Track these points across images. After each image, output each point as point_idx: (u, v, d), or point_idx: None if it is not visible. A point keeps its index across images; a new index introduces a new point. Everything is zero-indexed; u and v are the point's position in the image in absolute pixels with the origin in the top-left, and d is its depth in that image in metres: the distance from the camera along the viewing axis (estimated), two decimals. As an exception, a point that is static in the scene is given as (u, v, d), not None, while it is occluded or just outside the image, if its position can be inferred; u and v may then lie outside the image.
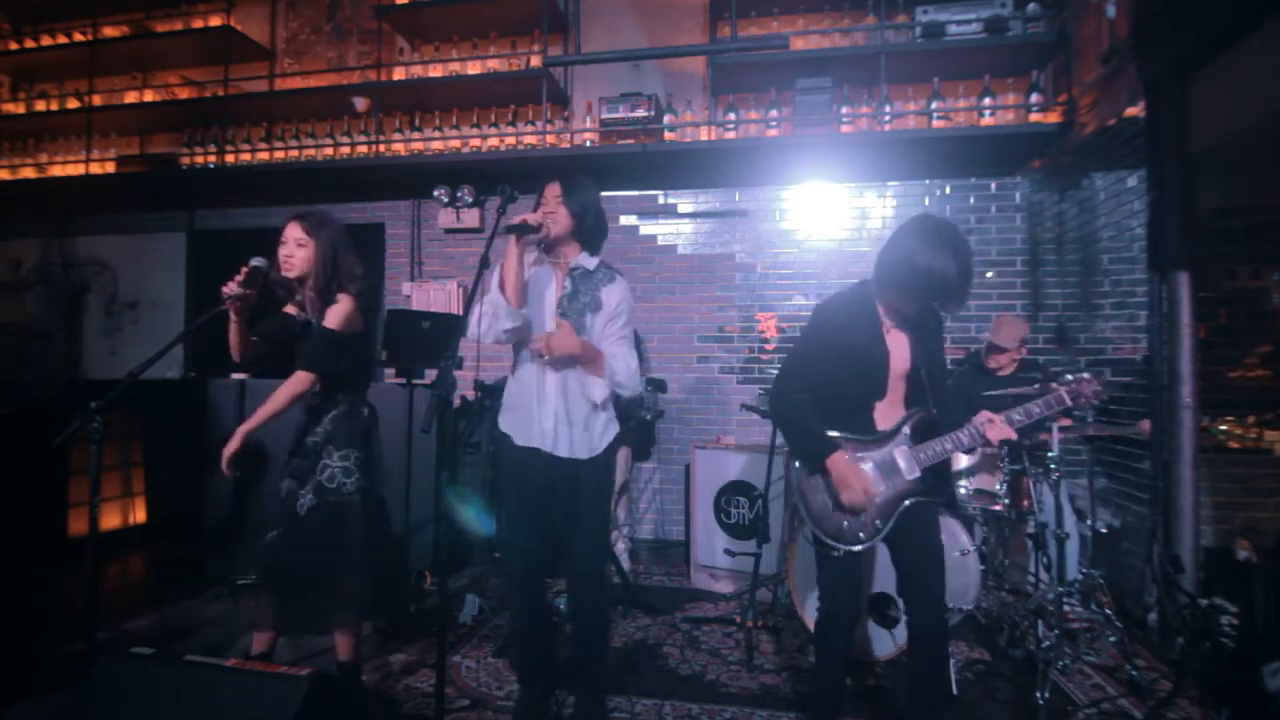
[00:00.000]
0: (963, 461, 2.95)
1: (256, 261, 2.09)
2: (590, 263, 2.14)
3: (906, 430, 1.96)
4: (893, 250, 1.90)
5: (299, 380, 2.16)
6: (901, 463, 1.94)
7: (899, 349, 1.97)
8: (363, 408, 2.27)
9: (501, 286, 2.00)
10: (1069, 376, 2.01)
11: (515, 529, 2.17)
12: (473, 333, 2.01)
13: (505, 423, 2.19)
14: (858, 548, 1.93)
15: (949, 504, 2.77)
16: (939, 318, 2.03)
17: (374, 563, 2.29)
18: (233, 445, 2.11)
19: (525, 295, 2.05)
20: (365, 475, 2.24)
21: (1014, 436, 1.90)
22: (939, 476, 2.00)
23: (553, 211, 2.07)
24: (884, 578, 2.60)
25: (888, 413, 1.99)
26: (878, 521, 1.93)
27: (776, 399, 2.05)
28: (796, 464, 2.05)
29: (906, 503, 1.93)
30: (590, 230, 2.14)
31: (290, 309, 2.27)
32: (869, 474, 1.94)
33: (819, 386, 1.99)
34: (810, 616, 2.89)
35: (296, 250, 2.16)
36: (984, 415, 1.91)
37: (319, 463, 2.17)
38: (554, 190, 2.09)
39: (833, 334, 1.97)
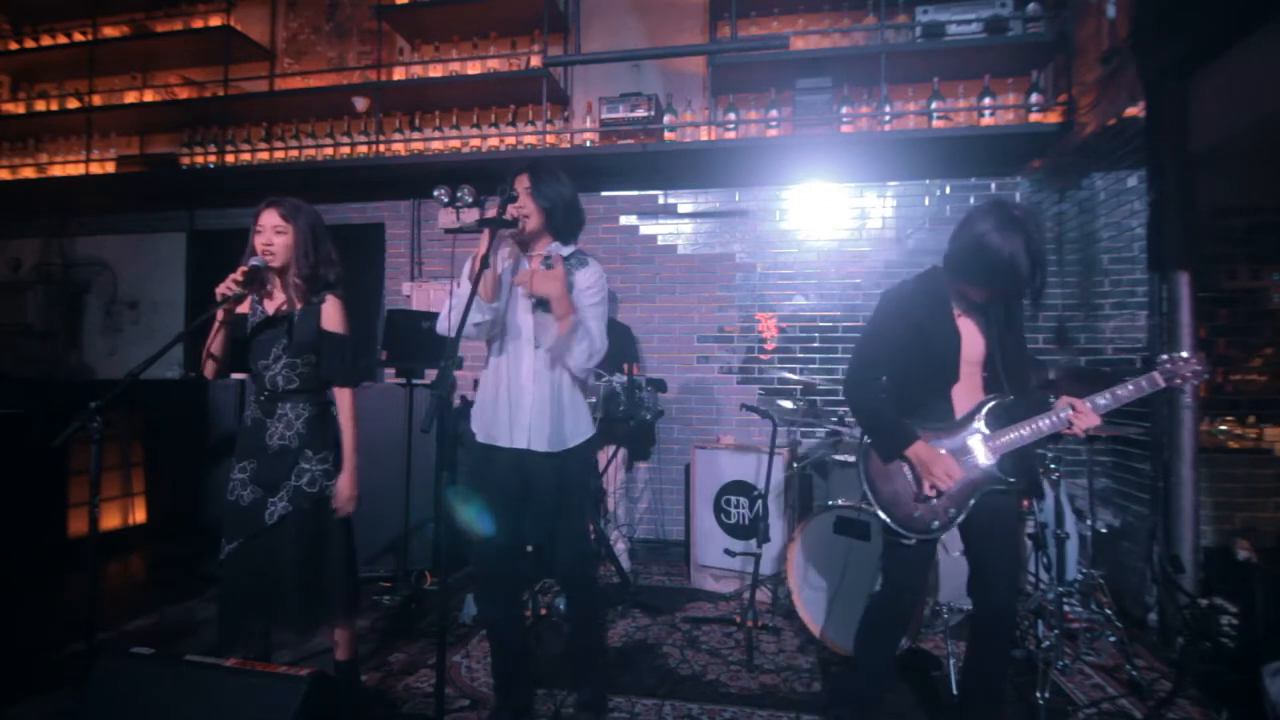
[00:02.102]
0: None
1: (255, 261, 2.05)
2: (565, 250, 2.10)
3: (981, 417, 1.90)
4: (963, 235, 1.80)
5: (350, 397, 2.15)
6: (976, 450, 1.88)
7: (971, 335, 1.90)
8: (331, 407, 2.19)
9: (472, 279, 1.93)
10: (1164, 357, 1.85)
11: (486, 535, 2.07)
12: (441, 326, 1.99)
13: (475, 424, 2.11)
14: (930, 536, 1.89)
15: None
16: (1019, 304, 1.93)
17: (356, 560, 2.24)
18: (353, 489, 2.14)
19: (498, 287, 2.00)
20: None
21: (1099, 423, 1.82)
22: (1019, 464, 1.91)
23: (523, 206, 2.01)
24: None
25: (965, 400, 1.93)
26: (951, 510, 1.87)
27: (853, 387, 1.98)
28: (868, 452, 1.99)
29: (981, 491, 1.87)
30: (561, 224, 2.07)
31: (266, 303, 2.16)
32: (950, 458, 1.88)
33: (891, 372, 1.96)
34: (810, 616, 2.89)
35: (276, 238, 2.07)
36: (1066, 400, 1.82)
37: (294, 467, 2.08)
38: (523, 183, 2.02)
39: (900, 319, 1.92)
